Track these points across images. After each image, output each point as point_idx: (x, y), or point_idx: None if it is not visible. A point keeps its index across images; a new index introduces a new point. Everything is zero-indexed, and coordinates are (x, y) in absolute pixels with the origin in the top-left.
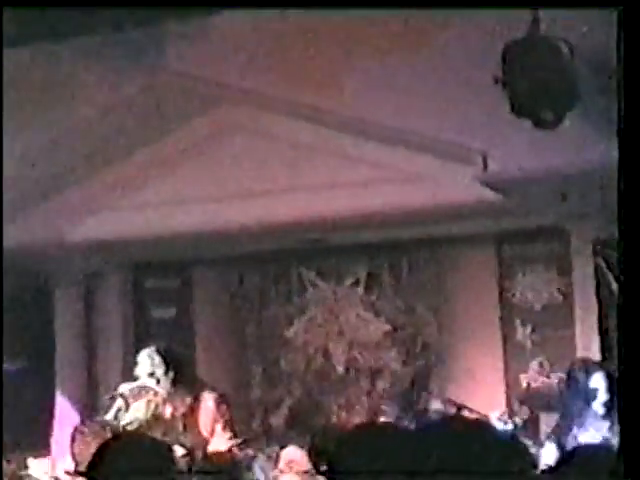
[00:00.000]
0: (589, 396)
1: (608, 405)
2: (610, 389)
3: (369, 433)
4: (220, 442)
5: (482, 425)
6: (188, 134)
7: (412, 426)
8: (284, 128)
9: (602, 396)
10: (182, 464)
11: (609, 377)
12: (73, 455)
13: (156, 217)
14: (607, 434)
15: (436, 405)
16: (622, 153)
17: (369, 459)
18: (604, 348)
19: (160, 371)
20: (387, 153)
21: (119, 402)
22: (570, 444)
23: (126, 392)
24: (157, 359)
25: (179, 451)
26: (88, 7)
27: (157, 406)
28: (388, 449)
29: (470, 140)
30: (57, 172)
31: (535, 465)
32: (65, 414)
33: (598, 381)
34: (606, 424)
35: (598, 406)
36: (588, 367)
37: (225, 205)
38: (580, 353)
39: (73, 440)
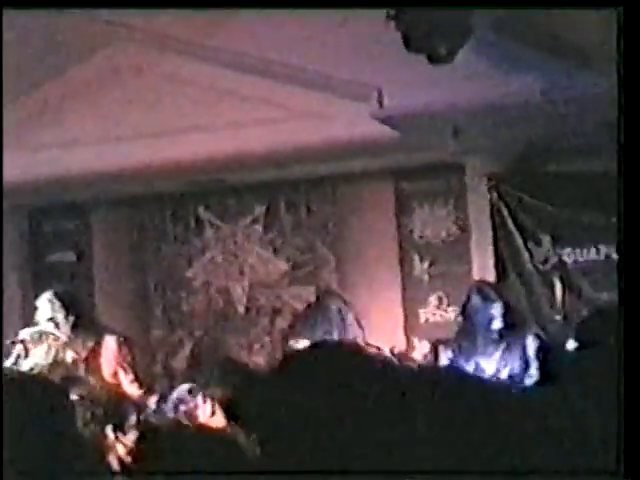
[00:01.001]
0: (485, 321)
1: (502, 332)
2: (505, 317)
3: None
4: (126, 385)
5: (354, 347)
6: (82, 74)
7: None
8: (179, 68)
9: (497, 323)
10: (82, 407)
11: (505, 306)
12: None
13: (51, 159)
14: (503, 358)
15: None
16: (623, 154)
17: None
18: (499, 281)
19: (60, 315)
20: (283, 91)
21: (18, 348)
22: (465, 366)
23: (26, 337)
24: (57, 303)
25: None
26: (88, 7)
27: (58, 351)
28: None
29: (365, 76)
30: None
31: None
32: None
33: (495, 309)
34: (500, 350)
35: (493, 332)
36: (485, 293)
37: (121, 146)
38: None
39: None
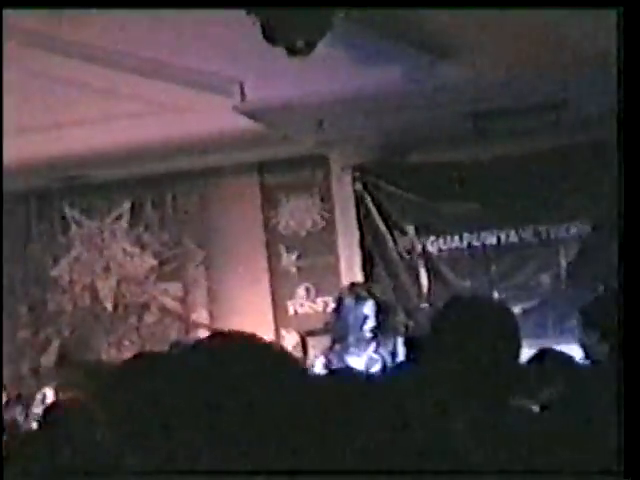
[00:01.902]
0: (358, 321)
1: (375, 331)
2: (377, 316)
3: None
4: None
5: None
6: None
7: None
8: (44, 64)
9: (371, 322)
10: None
11: (377, 305)
12: None
13: None
14: (374, 354)
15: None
16: (624, 154)
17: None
18: (366, 271)
19: None
20: (146, 86)
21: None
22: (337, 365)
23: None
24: None
25: None
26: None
27: None
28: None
29: (226, 69)
30: None
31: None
32: None
33: (368, 308)
34: (372, 347)
35: (366, 331)
36: (358, 294)
37: None
38: (344, 277)
39: None
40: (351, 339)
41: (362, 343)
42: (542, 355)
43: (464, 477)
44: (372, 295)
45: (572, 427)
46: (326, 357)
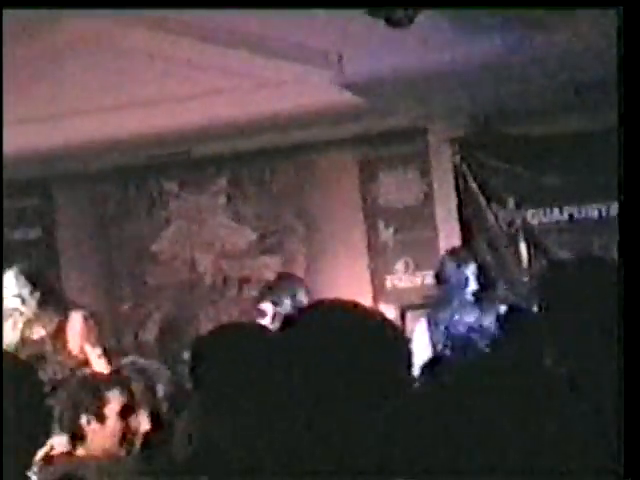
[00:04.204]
0: (460, 284)
1: (477, 294)
2: (479, 278)
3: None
4: (94, 360)
5: (354, 305)
6: (40, 49)
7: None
8: (139, 40)
9: (473, 284)
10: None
11: (479, 267)
12: None
13: (12, 135)
14: (476, 322)
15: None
16: (624, 154)
17: (230, 359)
18: (465, 245)
19: (25, 291)
20: (244, 60)
21: None
22: (441, 336)
23: None
24: (22, 279)
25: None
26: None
27: (24, 327)
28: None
29: (325, 43)
30: None
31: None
32: None
33: (469, 270)
34: (476, 312)
35: (468, 294)
36: (459, 257)
37: (83, 120)
38: (443, 251)
39: None
40: (454, 303)
41: (465, 308)
42: None
43: (461, 477)
44: (473, 258)
45: (572, 427)
46: (429, 324)
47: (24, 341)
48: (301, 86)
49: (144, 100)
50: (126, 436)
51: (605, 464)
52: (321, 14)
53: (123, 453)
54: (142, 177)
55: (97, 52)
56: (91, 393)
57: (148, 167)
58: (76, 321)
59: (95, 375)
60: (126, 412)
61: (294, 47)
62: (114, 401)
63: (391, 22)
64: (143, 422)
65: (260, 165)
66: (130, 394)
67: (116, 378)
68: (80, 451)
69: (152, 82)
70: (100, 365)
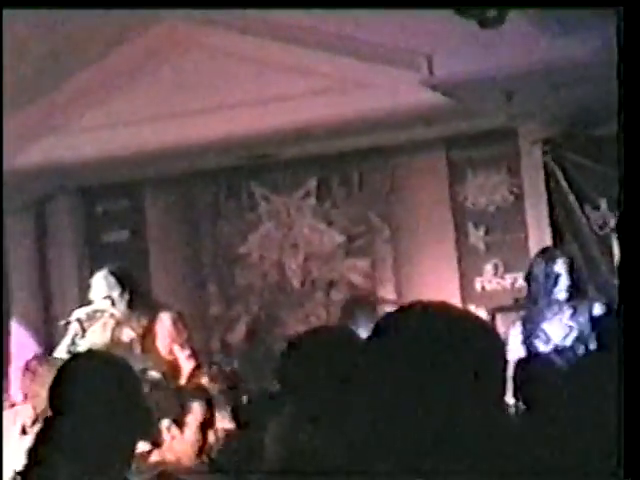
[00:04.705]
0: (550, 281)
1: (570, 290)
2: (571, 274)
3: (320, 338)
4: (183, 361)
5: (446, 307)
6: (131, 52)
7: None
8: (225, 43)
9: (564, 281)
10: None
11: (570, 263)
12: (23, 389)
13: (103, 139)
14: (570, 321)
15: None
16: (624, 153)
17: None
18: (556, 247)
19: (115, 293)
20: (332, 62)
21: (75, 327)
22: (536, 335)
23: (82, 316)
24: (112, 281)
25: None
26: (88, 7)
27: (114, 329)
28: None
29: (414, 44)
30: None
31: (504, 356)
32: (22, 344)
33: (559, 266)
34: (569, 311)
35: (561, 292)
36: (548, 254)
37: (172, 123)
38: (533, 253)
39: (23, 375)
40: (544, 301)
41: (556, 306)
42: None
43: (460, 477)
44: (564, 255)
45: (572, 427)
46: (523, 325)
47: (114, 342)
48: (390, 88)
49: (234, 102)
50: (203, 448)
51: (605, 464)
52: (411, 15)
53: (198, 463)
54: (232, 179)
55: (188, 54)
56: (175, 399)
57: (238, 169)
58: (165, 322)
59: (182, 384)
60: (206, 425)
61: (383, 49)
62: (196, 412)
63: (483, 22)
64: (225, 421)
65: (349, 167)
66: (212, 410)
67: (202, 390)
68: (154, 457)
69: (242, 85)
70: (188, 366)
